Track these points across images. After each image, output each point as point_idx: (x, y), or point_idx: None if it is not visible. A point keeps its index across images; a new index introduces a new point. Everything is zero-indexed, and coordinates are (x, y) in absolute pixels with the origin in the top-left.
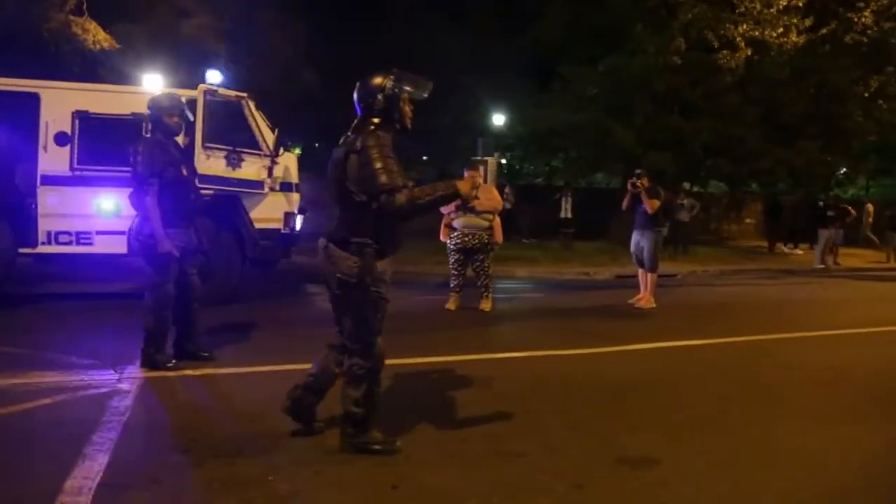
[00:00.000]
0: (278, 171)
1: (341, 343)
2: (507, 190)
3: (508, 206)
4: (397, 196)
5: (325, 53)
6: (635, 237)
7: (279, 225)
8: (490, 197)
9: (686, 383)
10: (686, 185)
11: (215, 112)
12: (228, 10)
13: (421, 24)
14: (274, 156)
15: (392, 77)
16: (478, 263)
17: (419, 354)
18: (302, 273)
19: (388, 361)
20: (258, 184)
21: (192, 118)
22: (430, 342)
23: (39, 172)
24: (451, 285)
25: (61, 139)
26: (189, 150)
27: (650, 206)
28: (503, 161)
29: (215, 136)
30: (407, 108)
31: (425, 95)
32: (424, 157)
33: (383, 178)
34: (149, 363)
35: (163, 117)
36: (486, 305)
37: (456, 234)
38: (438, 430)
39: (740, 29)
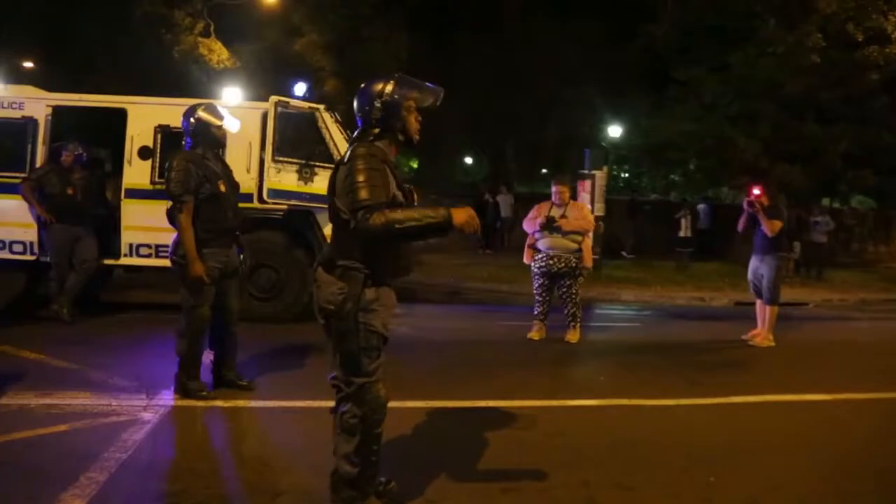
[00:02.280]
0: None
1: (335, 385)
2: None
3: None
4: (373, 216)
5: (427, 66)
6: (753, 263)
7: None
8: (580, 216)
9: (800, 455)
10: (825, 202)
11: (287, 125)
12: (335, 26)
13: (527, 34)
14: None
15: (393, 82)
16: (564, 289)
17: (476, 395)
18: None
19: (437, 402)
20: None
21: (234, 129)
22: (496, 380)
23: (123, 185)
24: (535, 312)
25: (144, 153)
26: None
27: (770, 227)
28: (624, 175)
29: (287, 149)
30: (412, 118)
31: (434, 104)
32: (544, 171)
33: (362, 193)
34: (181, 391)
35: (209, 128)
36: (572, 337)
37: (541, 256)
38: (466, 496)
39: (893, 18)
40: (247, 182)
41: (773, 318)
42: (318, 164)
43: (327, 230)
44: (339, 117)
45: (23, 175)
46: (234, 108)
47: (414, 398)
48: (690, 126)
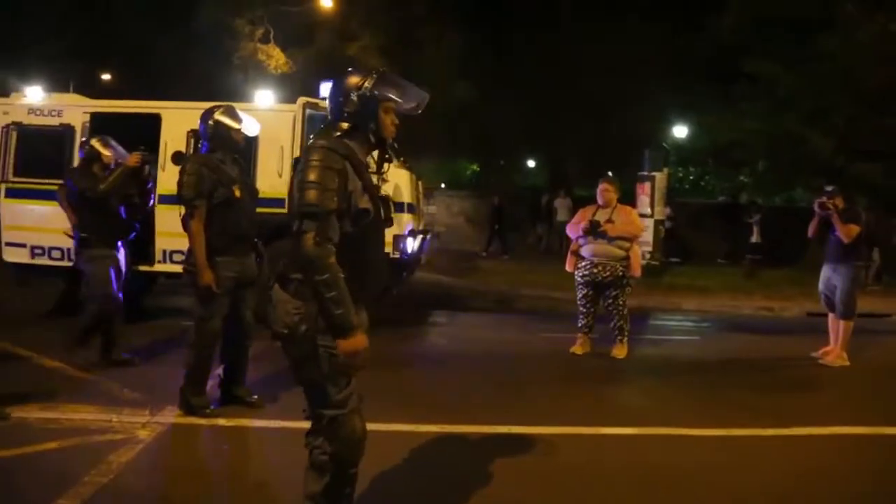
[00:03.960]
0: (387, 190)
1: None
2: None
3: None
4: (316, 242)
5: (482, 67)
6: (825, 272)
7: (388, 249)
8: (627, 221)
9: (874, 501)
10: None
11: (317, 126)
12: (387, 29)
13: (586, 31)
14: (380, 173)
15: (374, 77)
16: (610, 300)
17: (501, 419)
18: (430, 302)
19: (456, 426)
20: None
21: (254, 133)
22: (527, 402)
23: (157, 191)
24: (579, 325)
25: (177, 158)
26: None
27: (846, 233)
28: (691, 176)
29: None
30: (388, 119)
31: (416, 109)
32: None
33: (310, 195)
34: (184, 406)
35: (227, 132)
36: (619, 352)
37: (584, 263)
38: None
39: None
40: (279, 186)
41: (847, 335)
42: None
43: None
44: None
45: (60, 182)
46: (266, 110)
47: (429, 421)
48: (759, 124)
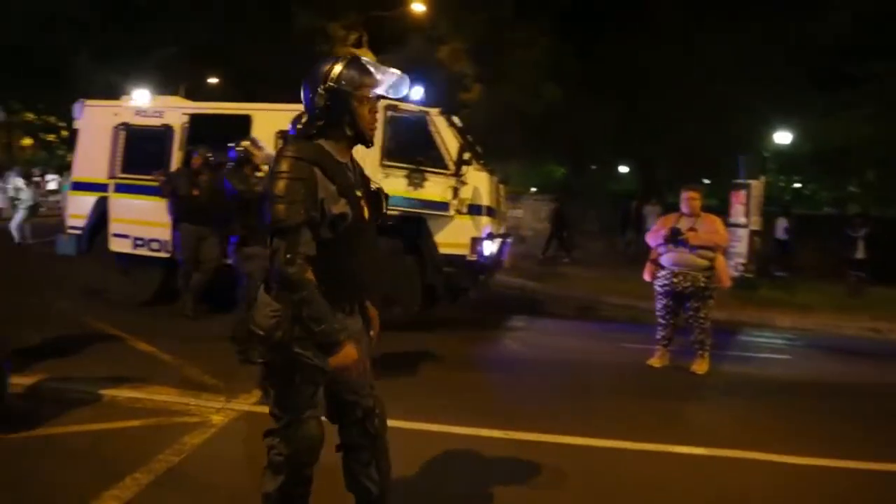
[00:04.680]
0: (466, 193)
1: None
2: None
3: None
4: (280, 251)
5: (573, 69)
6: None
7: (465, 251)
8: (711, 230)
9: None
10: None
11: (398, 129)
12: (476, 31)
13: (681, 33)
14: (458, 175)
15: (342, 64)
16: (691, 312)
17: (564, 429)
18: (510, 306)
19: (516, 433)
20: (442, 205)
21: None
22: (594, 413)
23: None
24: (657, 337)
25: None
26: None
27: None
28: (795, 185)
29: (396, 153)
30: (364, 109)
31: (395, 93)
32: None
33: (278, 210)
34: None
35: None
36: (699, 367)
37: (664, 273)
38: None
39: None
40: None
41: None
42: (428, 169)
43: (439, 237)
44: (458, 121)
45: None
46: None
47: (491, 425)
48: (869, 129)
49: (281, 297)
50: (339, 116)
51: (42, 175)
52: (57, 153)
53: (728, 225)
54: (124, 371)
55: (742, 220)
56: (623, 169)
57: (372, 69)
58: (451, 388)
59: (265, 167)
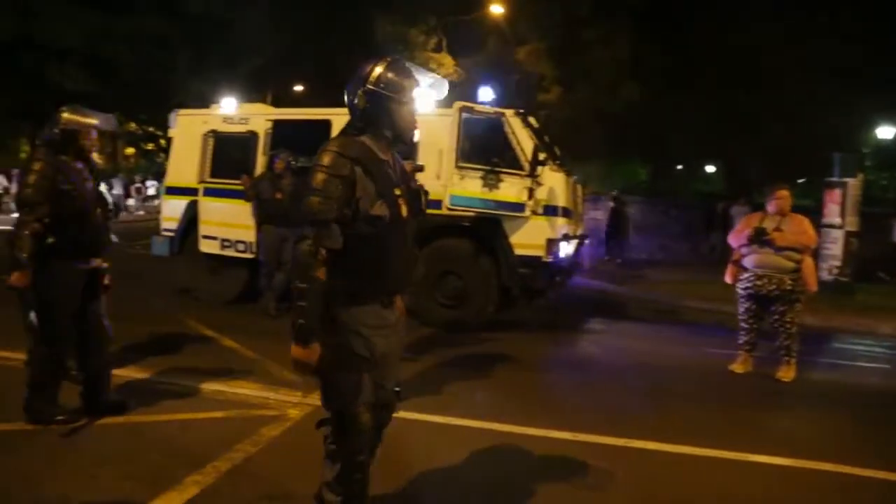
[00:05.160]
0: (542, 193)
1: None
2: None
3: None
4: (305, 241)
5: (655, 66)
6: None
7: (541, 252)
8: (798, 230)
9: None
10: None
11: (472, 130)
12: (553, 31)
13: (771, 25)
14: (533, 176)
15: (382, 66)
16: (776, 316)
17: (634, 433)
18: (588, 308)
19: (588, 436)
20: (518, 206)
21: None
22: (666, 417)
23: None
24: (740, 341)
25: None
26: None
27: None
28: None
29: (471, 155)
30: (403, 111)
31: (436, 95)
32: (799, 181)
33: (312, 203)
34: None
35: None
36: (785, 374)
37: (747, 275)
38: None
39: None
40: (437, 188)
41: None
42: (503, 170)
43: (514, 238)
44: (534, 122)
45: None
46: (426, 116)
47: (562, 427)
48: None
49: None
50: (378, 117)
51: (143, 181)
52: (156, 161)
53: (821, 226)
54: (211, 365)
55: (837, 220)
56: (710, 168)
57: (411, 71)
58: (522, 389)
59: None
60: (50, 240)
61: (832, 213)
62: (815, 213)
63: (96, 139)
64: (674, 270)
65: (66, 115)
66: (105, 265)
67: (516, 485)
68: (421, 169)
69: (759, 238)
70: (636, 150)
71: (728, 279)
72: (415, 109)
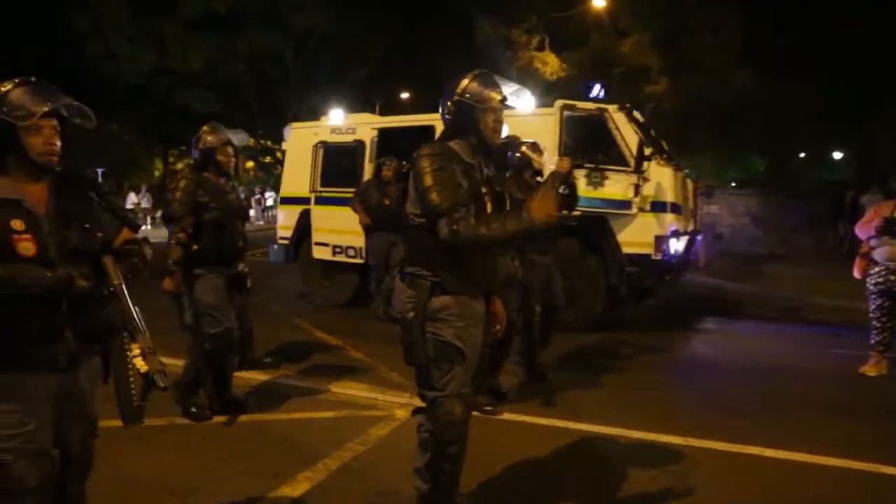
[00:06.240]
0: (648, 190)
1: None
2: None
3: None
4: (441, 225)
5: (770, 49)
6: None
7: (649, 250)
8: None
9: None
10: None
11: (574, 128)
12: (656, 21)
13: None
14: (639, 172)
15: (468, 79)
16: None
17: (752, 439)
18: (704, 307)
19: (698, 441)
20: (625, 203)
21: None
22: (788, 423)
23: None
24: (872, 342)
25: None
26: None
27: None
28: None
29: (574, 153)
30: (488, 118)
31: (517, 104)
32: None
33: (433, 197)
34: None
35: None
36: None
37: (879, 269)
38: None
39: None
40: None
41: None
42: (608, 167)
43: (622, 236)
44: (639, 116)
45: (353, 190)
46: (527, 115)
47: (670, 432)
48: None
49: (414, 284)
50: (465, 125)
51: (262, 192)
52: (273, 172)
53: None
54: (323, 367)
55: None
56: (837, 155)
57: (495, 82)
58: (629, 392)
59: (548, 170)
60: (195, 247)
61: None
62: None
63: (233, 154)
64: (798, 265)
65: (203, 135)
66: (247, 269)
67: (612, 489)
68: (579, 166)
69: (890, 229)
70: (752, 140)
71: (857, 274)
72: (500, 118)
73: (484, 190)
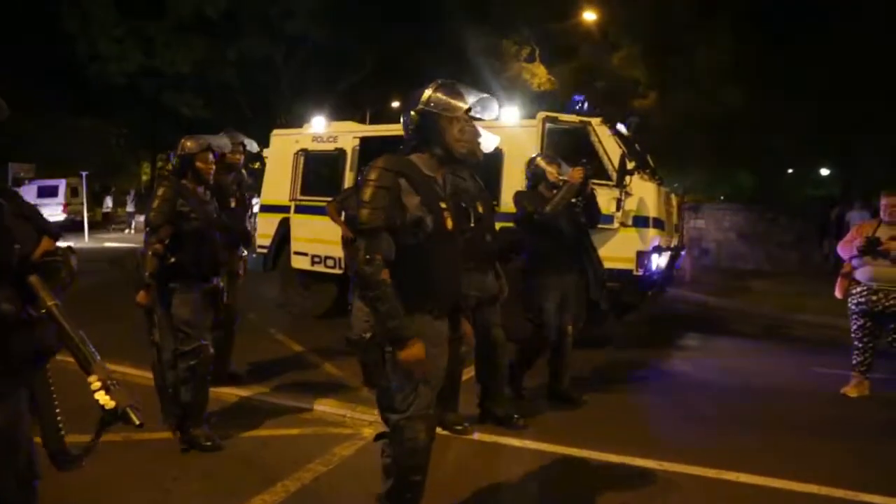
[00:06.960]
0: (630, 204)
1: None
2: None
3: None
4: (368, 264)
5: (762, 67)
6: None
7: (630, 265)
8: None
9: None
10: None
11: (557, 140)
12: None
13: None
14: (621, 186)
15: (432, 88)
16: (894, 336)
17: (725, 463)
18: (686, 322)
19: (674, 465)
20: (606, 218)
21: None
22: (765, 447)
23: None
24: (854, 362)
25: None
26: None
27: None
28: None
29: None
30: (454, 130)
31: (485, 114)
32: None
33: (362, 213)
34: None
35: None
36: None
37: (860, 289)
38: None
39: None
40: None
41: None
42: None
43: (603, 251)
44: (624, 129)
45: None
46: (511, 127)
47: (646, 455)
48: None
49: (365, 298)
50: (429, 136)
51: (249, 199)
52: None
53: None
54: (294, 380)
55: None
56: (823, 171)
57: (460, 92)
58: (605, 412)
59: (563, 181)
60: (171, 259)
61: None
62: None
63: (213, 162)
64: (783, 281)
65: (184, 140)
66: (223, 285)
67: None
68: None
69: (871, 249)
70: (740, 157)
71: (838, 294)
72: (468, 128)
73: (443, 205)
